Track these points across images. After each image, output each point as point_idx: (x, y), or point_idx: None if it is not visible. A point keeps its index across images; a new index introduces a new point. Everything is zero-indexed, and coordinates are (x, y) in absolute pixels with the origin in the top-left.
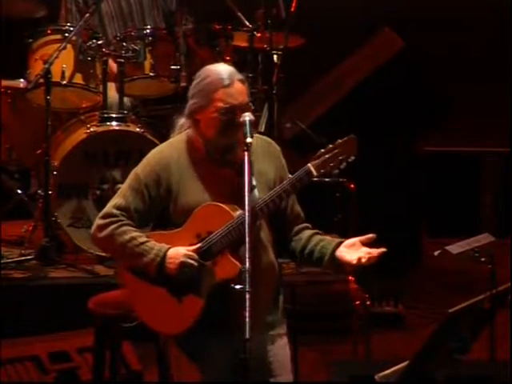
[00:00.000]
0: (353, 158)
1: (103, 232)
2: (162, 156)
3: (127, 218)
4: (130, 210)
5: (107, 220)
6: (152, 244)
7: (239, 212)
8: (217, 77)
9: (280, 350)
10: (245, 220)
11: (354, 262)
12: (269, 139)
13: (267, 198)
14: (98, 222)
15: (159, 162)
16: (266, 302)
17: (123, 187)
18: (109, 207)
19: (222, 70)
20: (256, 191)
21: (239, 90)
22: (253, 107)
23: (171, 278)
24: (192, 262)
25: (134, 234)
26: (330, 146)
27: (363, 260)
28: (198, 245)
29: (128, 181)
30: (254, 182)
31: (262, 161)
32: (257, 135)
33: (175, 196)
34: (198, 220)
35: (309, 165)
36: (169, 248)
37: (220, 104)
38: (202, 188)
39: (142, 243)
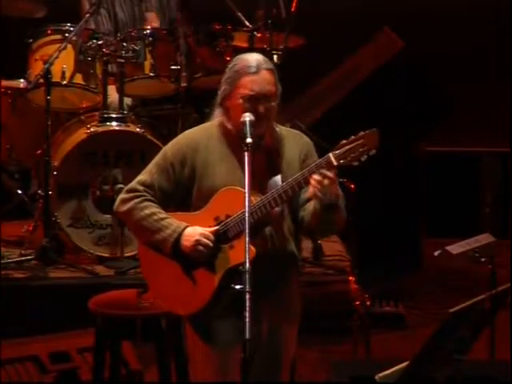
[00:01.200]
0: (374, 151)
1: (126, 206)
2: (192, 137)
3: (151, 194)
4: (154, 187)
5: (131, 194)
6: (171, 220)
7: (259, 197)
8: (244, 64)
9: (288, 337)
10: (262, 205)
11: (310, 195)
12: (300, 133)
13: (286, 185)
14: (122, 196)
15: (188, 141)
16: (281, 291)
17: (150, 165)
18: (133, 183)
19: (251, 58)
20: (279, 177)
21: (265, 79)
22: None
23: (187, 257)
24: (207, 241)
25: (155, 209)
26: (353, 137)
27: (315, 190)
28: (216, 227)
29: (156, 158)
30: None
31: (290, 150)
32: (289, 129)
33: (200, 176)
34: (217, 203)
35: (329, 154)
36: (187, 226)
37: (244, 91)
38: (229, 171)
39: (162, 219)
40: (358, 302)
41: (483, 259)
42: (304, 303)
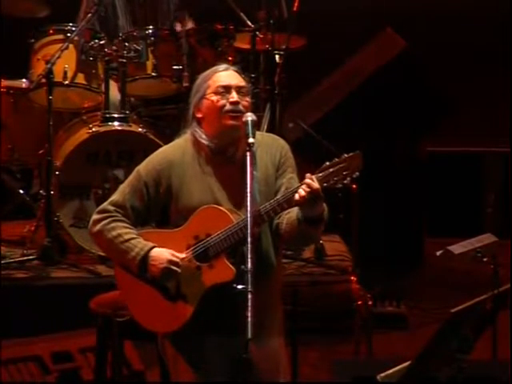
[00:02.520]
0: (357, 174)
1: (96, 227)
2: (165, 155)
3: (122, 215)
4: (125, 207)
5: (101, 215)
6: (136, 242)
7: (239, 217)
8: (211, 69)
9: (275, 353)
10: (243, 226)
11: (297, 198)
12: (276, 136)
13: (268, 207)
14: (93, 216)
15: (162, 160)
16: (265, 306)
17: (123, 184)
18: (105, 203)
19: (219, 65)
20: (257, 195)
21: (234, 75)
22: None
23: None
24: (175, 268)
25: (123, 230)
26: (336, 159)
27: (302, 194)
28: (183, 255)
29: (129, 178)
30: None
31: (265, 158)
32: (263, 133)
33: (176, 195)
34: (197, 221)
35: (313, 176)
36: (152, 247)
37: (215, 84)
38: (204, 188)
39: (127, 240)
40: (359, 302)
41: (485, 259)
42: (306, 303)
